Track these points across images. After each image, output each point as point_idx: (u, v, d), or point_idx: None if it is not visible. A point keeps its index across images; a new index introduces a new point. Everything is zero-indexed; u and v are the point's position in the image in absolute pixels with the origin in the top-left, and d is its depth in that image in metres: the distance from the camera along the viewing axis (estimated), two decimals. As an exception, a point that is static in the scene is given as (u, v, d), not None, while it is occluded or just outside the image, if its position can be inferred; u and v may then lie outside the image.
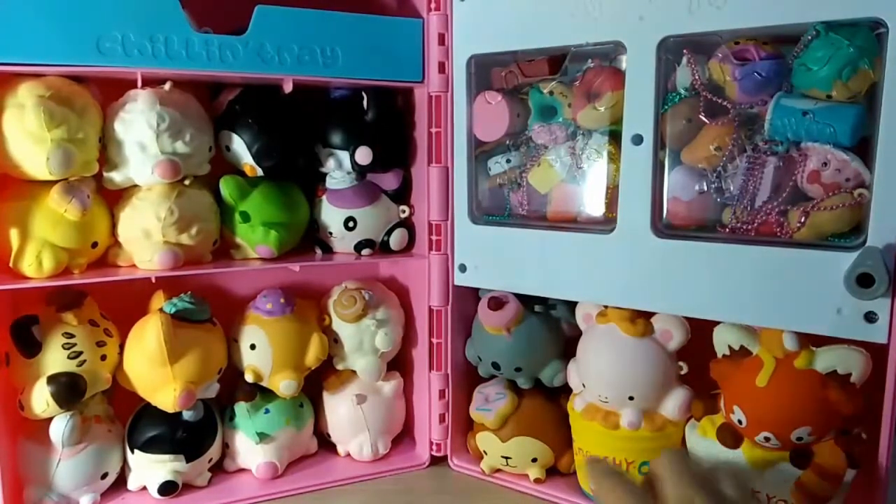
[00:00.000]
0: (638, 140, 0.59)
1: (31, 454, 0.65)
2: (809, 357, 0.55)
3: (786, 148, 0.55)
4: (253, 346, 0.72)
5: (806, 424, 0.55)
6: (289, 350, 0.72)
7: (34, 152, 0.60)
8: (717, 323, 0.60)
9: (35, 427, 0.65)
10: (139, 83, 0.63)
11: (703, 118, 0.58)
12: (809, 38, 0.52)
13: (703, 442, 0.61)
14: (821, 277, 0.52)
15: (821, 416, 0.54)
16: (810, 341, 0.56)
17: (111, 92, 0.67)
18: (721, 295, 0.57)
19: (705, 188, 0.59)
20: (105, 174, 0.66)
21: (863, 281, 0.49)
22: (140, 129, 0.64)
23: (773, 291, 0.54)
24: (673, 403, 0.63)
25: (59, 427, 0.63)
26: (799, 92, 0.54)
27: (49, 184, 0.62)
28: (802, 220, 0.54)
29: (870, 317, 0.51)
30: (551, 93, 0.67)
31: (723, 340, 0.60)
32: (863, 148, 0.52)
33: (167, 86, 0.66)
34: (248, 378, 0.72)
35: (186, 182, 0.68)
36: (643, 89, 0.58)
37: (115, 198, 0.68)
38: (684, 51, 0.58)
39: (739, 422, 0.58)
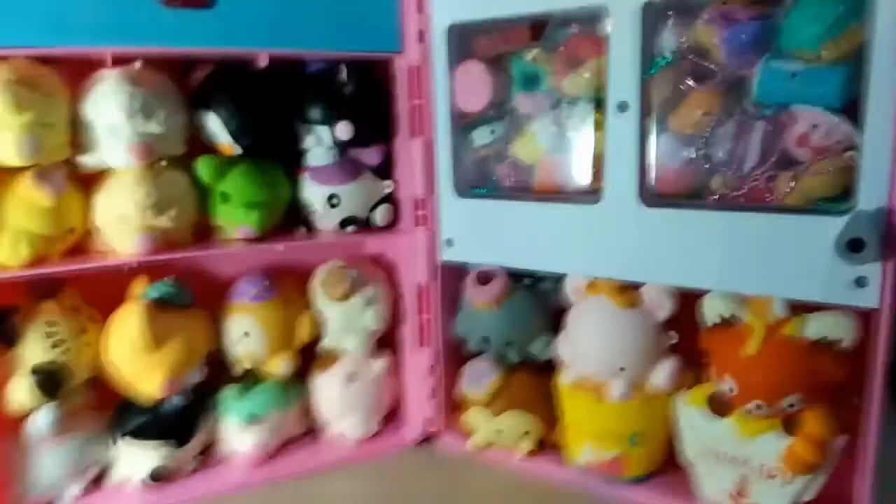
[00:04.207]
0: (623, 107, 0.58)
1: (15, 446, 0.64)
2: (799, 324, 0.54)
3: (774, 111, 0.54)
4: (246, 334, 0.71)
5: (796, 392, 0.55)
6: (281, 332, 0.72)
7: (2, 139, 0.58)
8: (706, 292, 0.59)
9: (18, 419, 0.64)
10: (108, 63, 0.61)
11: (690, 83, 0.57)
12: (797, -4, 0.51)
13: (693, 411, 0.61)
14: (811, 243, 0.51)
15: (811, 383, 0.54)
16: (800, 308, 0.55)
17: (80, 73, 0.64)
18: (710, 263, 0.56)
19: (693, 155, 0.58)
20: (78, 158, 0.64)
21: (853, 246, 0.49)
22: (111, 111, 0.62)
23: (763, 258, 0.54)
24: (662, 374, 0.63)
25: (43, 418, 0.62)
26: (787, 53, 0.53)
27: (21, 171, 0.60)
28: (792, 184, 0.53)
29: (860, 282, 0.50)
30: (534, 60, 0.65)
31: (712, 309, 0.59)
32: (852, 109, 0.51)
33: (137, 64, 0.64)
34: (246, 366, 0.72)
35: (163, 163, 0.66)
36: (627, 54, 0.57)
37: (90, 182, 0.66)
38: (669, 13, 0.56)
39: (730, 390, 0.57)
